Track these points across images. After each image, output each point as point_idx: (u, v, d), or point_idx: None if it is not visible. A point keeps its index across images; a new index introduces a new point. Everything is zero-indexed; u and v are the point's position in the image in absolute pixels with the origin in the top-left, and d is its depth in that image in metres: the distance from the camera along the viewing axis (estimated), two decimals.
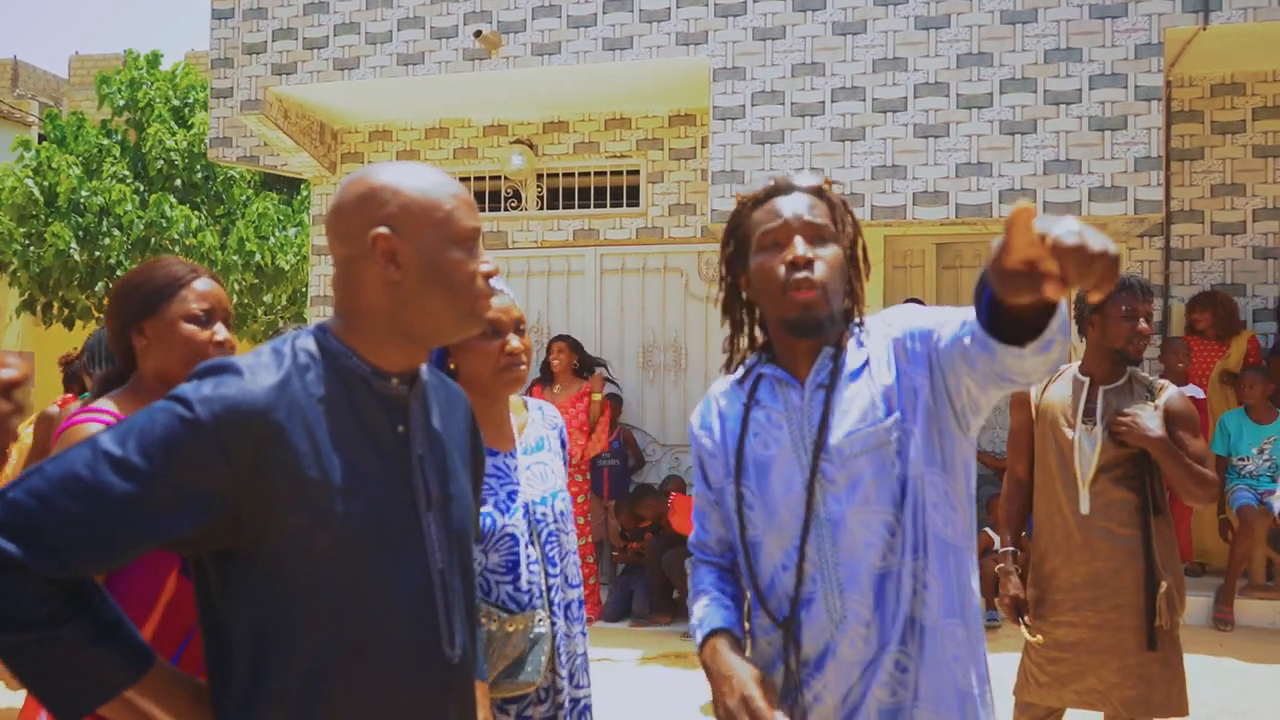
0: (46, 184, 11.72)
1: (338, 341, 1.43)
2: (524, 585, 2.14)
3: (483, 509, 2.12)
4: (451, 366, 2.17)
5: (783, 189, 1.70)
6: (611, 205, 7.88)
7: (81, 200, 11.56)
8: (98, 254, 11.59)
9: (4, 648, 1.25)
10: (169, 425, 1.28)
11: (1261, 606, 6.13)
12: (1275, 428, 6.18)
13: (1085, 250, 1.10)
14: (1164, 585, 3.02)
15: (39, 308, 12.24)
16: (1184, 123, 7.06)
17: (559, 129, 7.94)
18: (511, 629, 2.10)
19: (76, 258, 11.48)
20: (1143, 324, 3.09)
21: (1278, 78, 6.96)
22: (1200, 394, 6.34)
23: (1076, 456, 3.12)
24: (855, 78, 6.41)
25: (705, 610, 1.76)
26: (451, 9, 7.05)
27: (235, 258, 12.20)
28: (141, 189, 12.24)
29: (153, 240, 11.69)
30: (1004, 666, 3.79)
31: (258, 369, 1.35)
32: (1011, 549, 3.27)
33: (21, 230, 11.66)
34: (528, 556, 2.16)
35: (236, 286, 12.38)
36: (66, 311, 12.23)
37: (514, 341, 2.17)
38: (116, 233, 11.62)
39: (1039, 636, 3.12)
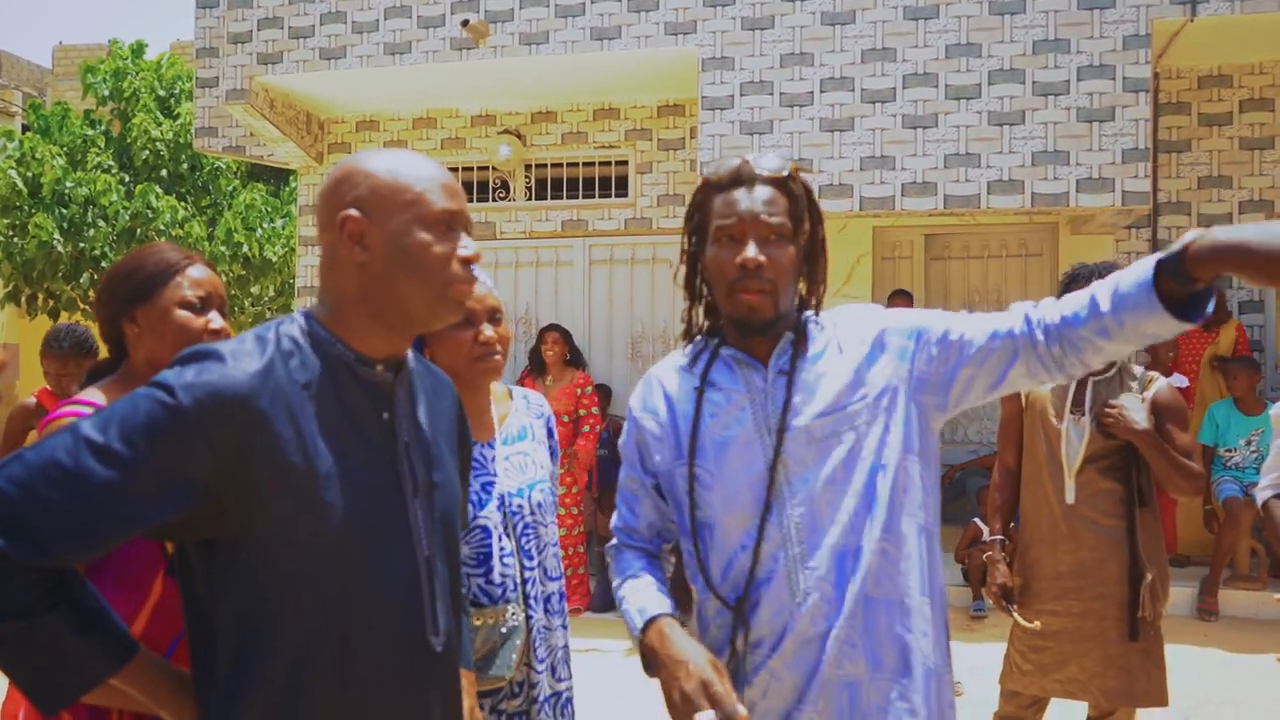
0: (30, 175, 11.60)
1: (322, 328, 1.42)
2: (496, 578, 2.11)
3: None
4: (428, 356, 2.13)
5: (745, 179, 1.68)
6: (600, 196, 7.86)
7: (66, 191, 11.46)
8: (82, 245, 11.49)
9: None
10: (151, 411, 1.27)
11: (1245, 597, 6.16)
12: (1263, 419, 6.18)
13: None
14: (1149, 577, 3.03)
15: (23, 299, 12.14)
16: (1171, 114, 7.08)
17: (547, 119, 7.91)
18: (479, 622, 2.07)
19: (61, 249, 11.37)
20: None
21: (1265, 70, 6.99)
22: (1185, 383, 6.36)
23: (1064, 446, 3.14)
24: (844, 68, 6.41)
25: (642, 595, 1.71)
26: None
27: (222, 249, 12.11)
28: (127, 180, 12.13)
29: (138, 231, 11.61)
30: (991, 656, 3.81)
31: (241, 355, 1.33)
32: (1000, 538, 3.29)
33: (5, 221, 11.55)
34: (501, 549, 2.13)
35: (224, 278, 12.27)
36: (51, 303, 12.13)
37: (488, 331, 2.14)
38: (101, 224, 11.52)
39: (1036, 623, 3.12)
